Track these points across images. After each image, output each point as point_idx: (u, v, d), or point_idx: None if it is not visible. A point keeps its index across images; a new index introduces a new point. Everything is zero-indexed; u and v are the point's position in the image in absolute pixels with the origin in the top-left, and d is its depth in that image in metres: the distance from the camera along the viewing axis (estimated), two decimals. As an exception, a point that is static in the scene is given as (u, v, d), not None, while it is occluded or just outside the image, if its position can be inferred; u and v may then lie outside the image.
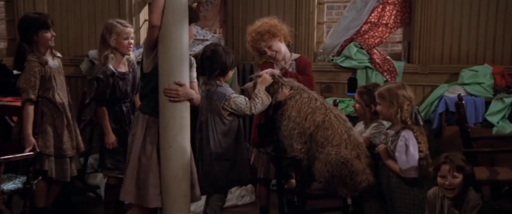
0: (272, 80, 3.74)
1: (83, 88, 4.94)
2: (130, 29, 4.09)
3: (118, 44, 4.03)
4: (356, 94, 3.95)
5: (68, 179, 4.16)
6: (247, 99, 3.69)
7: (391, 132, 3.52)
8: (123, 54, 4.10)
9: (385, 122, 3.74)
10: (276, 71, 3.88)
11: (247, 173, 3.88)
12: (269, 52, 4.03)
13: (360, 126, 4.01)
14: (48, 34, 4.00)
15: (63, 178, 4.11)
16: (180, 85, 3.30)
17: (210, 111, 3.69)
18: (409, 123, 3.40)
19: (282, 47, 4.08)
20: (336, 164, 3.48)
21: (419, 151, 3.38)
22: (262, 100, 3.67)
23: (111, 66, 4.01)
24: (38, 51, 3.98)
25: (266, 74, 3.76)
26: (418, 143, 3.39)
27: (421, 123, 3.44)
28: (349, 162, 3.48)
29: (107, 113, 4.07)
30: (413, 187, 3.43)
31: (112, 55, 4.02)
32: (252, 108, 3.65)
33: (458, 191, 3.10)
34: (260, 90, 3.70)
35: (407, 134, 3.39)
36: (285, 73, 3.94)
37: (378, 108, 3.55)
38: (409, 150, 3.36)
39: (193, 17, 3.50)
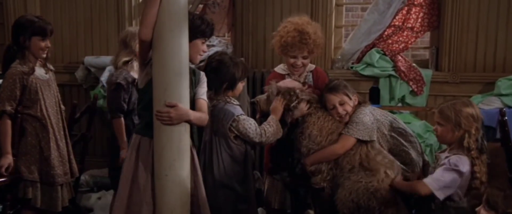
0: (282, 109, 3.35)
1: (72, 101, 4.51)
2: None
3: None
4: None
5: (59, 209, 3.67)
6: (256, 124, 3.27)
7: (443, 155, 3.05)
8: None
9: None
10: (297, 84, 3.48)
11: (254, 206, 3.46)
12: (298, 62, 3.59)
13: None
14: (42, 44, 3.54)
15: (52, 208, 3.63)
16: (172, 106, 2.84)
17: (215, 130, 3.26)
18: (472, 151, 2.92)
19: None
20: (364, 193, 3.13)
21: (474, 177, 2.92)
22: (274, 130, 3.28)
23: (132, 73, 3.73)
24: (26, 59, 3.53)
25: (278, 104, 3.35)
26: (474, 172, 2.92)
27: (485, 150, 2.98)
28: (379, 192, 3.12)
29: (124, 125, 3.79)
30: None
31: (135, 62, 3.76)
32: (262, 135, 3.25)
33: None
34: (274, 119, 3.31)
35: (458, 161, 2.92)
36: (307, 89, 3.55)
37: (438, 129, 3.06)
38: (459, 170, 2.89)
39: (205, 31, 3.01)
